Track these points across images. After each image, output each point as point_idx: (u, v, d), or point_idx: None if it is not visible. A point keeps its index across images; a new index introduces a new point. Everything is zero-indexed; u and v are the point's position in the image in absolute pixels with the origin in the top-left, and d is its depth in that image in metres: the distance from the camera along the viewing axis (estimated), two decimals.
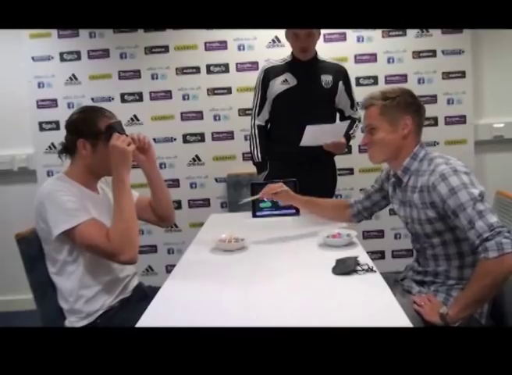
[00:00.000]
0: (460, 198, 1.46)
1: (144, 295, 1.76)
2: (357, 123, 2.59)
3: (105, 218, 1.64)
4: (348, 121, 2.52)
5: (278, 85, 2.51)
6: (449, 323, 1.44)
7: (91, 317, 1.64)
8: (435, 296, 1.60)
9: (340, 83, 2.54)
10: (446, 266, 1.62)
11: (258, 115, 2.58)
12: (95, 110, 1.73)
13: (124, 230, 1.57)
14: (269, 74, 2.53)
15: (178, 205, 3.44)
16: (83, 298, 1.63)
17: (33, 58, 3.33)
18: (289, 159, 2.47)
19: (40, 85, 3.35)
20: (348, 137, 2.51)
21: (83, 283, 1.64)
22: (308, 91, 2.47)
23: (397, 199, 1.75)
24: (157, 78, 3.38)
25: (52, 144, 3.30)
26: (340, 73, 2.55)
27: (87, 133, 1.65)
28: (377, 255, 3.44)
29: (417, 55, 3.37)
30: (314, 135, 2.28)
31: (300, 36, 2.40)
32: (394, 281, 1.79)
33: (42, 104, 3.36)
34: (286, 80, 2.50)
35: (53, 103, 3.36)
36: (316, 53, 2.54)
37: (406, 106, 1.63)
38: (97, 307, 1.65)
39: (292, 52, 2.55)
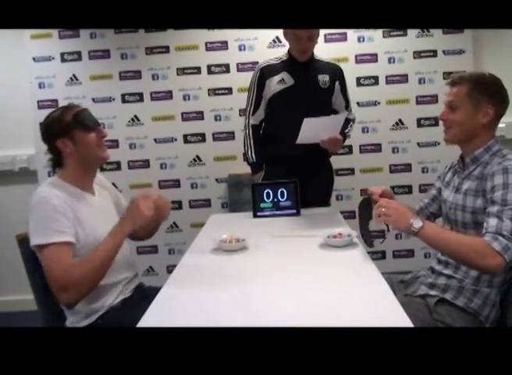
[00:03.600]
0: (508, 196, 1.44)
1: (144, 296, 1.75)
2: (351, 123, 2.54)
3: (99, 219, 1.64)
4: (346, 113, 2.48)
5: (274, 85, 2.46)
6: (415, 234, 1.47)
7: (92, 317, 1.64)
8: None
9: (337, 83, 2.51)
10: None
11: (253, 114, 2.53)
12: (57, 109, 1.74)
13: (89, 271, 1.51)
14: (265, 73, 2.48)
15: (179, 205, 3.44)
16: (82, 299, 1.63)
17: (34, 59, 3.34)
18: (286, 160, 2.44)
19: (41, 86, 3.36)
20: (344, 136, 2.45)
21: None
22: (305, 91, 2.43)
23: (451, 185, 1.72)
24: (158, 78, 3.39)
25: None
26: (337, 73, 2.52)
27: (60, 131, 1.66)
28: (378, 255, 3.44)
29: (418, 55, 3.37)
30: (311, 129, 2.20)
31: (301, 38, 2.35)
32: (397, 282, 1.79)
33: (43, 104, 3.37)
34: (282, 80, 2.45)
35: (54, 104, 3.36)
36: (313, 52, 2.49)
37: (494, 95, 1.61)
38: (97, 307, 1.65)
39: (288, 51, 2.51)
